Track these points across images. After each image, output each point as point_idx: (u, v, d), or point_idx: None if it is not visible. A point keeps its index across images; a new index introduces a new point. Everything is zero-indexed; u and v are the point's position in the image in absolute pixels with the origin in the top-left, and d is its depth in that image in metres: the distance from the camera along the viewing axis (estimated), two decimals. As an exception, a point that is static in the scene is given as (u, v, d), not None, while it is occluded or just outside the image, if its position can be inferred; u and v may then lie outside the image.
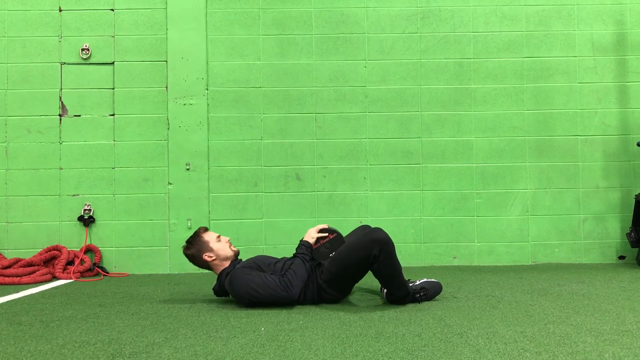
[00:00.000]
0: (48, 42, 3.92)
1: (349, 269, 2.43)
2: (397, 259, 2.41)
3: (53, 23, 3.92)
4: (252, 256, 2.64)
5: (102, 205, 3.86)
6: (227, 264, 2.56)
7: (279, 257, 2.66)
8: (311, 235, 2.63)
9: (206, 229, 2.63)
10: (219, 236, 2.60)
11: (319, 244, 2.62)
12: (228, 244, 2.59)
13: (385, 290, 2.53)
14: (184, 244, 2.62)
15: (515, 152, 3.93)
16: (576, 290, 2.77)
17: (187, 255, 2.59)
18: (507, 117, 3.95)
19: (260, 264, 2.52)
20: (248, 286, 2.39)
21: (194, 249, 2.56)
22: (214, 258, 2.54)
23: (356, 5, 3.97)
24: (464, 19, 3.98)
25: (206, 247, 2.54)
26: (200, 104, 3.89)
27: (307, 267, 2.51)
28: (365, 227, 2.81)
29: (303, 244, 2.61)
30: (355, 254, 2.40)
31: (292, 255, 2.62)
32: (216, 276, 2.63)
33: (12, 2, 3.92)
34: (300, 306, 2.46)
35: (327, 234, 2.63)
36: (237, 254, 2.61)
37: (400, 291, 2.43)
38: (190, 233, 3.78)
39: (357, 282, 2.55)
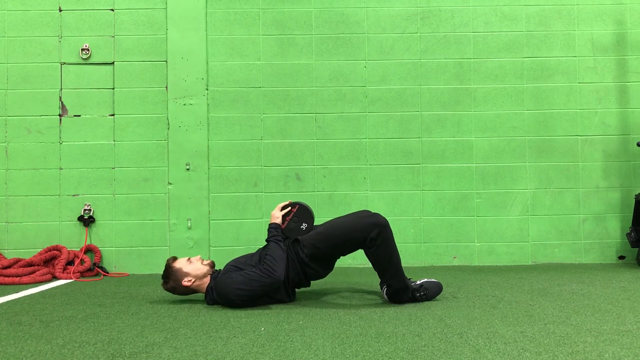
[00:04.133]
0: (48, 42, 3.92)
1: (340, 247, 2.46)
2: (395, 246, 2.43)
3: (53, 23, 3.92)
4: (228, 261, 2.64)
5: (102, 205, 3.86)
6: (207, 280, 2.55)
7: (254, 252, 2.67)
8: (276, 216, 2.64)
9: (175, 258, 2.59)
10: (188, 259, 2.58)
11: (286, 221, 2.62)
12: (200, 262, 2.57)
13: (384, 287, 2.54)
14: (161, 280, 2.59)
15: (515, 152, 3.93)
16: (576, 290, 2.77)
17: (168, 290, 2.56)
18: (507, 117, 3.95)
19: (237, 264, 2.54)
20: (233, 288, 2.40)
21: (171, 280, 2.53)
22: (193, 280, 2.52)
23: (356, 5, 3.97)
24: (464, 19, 3.98)
25: (181, 274, 2.52)
26: (200, 104, 3.89)
27: (282, 247, 2.51)
28: (365, 211, 2.80)
29: (271, 226, 2.61)
30: (350, 234, 2.42)
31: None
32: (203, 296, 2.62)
33: (12, 2, 3.92)
34: (300, 306, 2.46)
35: (290, 208, 2.64)
36: (212, 265, 2.59)
37: (397, 283, 2.43)
38: (191, 233, 3.81)
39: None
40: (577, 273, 3.40)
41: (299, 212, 2.62)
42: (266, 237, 2.61)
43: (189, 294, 2.61)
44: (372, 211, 2.56)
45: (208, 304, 2.54)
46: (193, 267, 2.54)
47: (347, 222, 2.50)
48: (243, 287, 2.39)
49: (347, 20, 3.96)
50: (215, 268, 2.65)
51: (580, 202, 3.92)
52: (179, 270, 2.53)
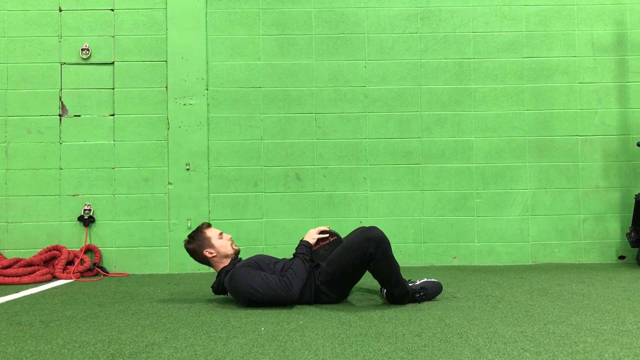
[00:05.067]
0: (48, 42, 3.92)
1: (346, 268, 2.43)
2: (393, 257, 2.41)
3: (53, 23, 3.92)
4: (253, 255, 2.65)
5: (102, 205, 3.86)
6: (227, 261, 2.57)
7: (280, 258, 2.67)
8: (312, 236, 2.64)
9: (209, 225, 2.65)
10: (221, 233, 2.62)
11: (318, 246, 2.63)
12: (230, 242, 2.60)
13: (384, 290, 2.54)
14: (186, 237, 2.63)
15: (515, 152, 3.93)
16: (576, 290, 2.77)
17: (187, 250, 2.60)
18: (507, 117, 3.95)
19: (260, 263, 2.52)
20: (248, 285, 2.39)
21: (195, 244, 2.57)
22: (214, 255, 2.55)
23: (356, 5, 3.97)
24: (464, 19, 3.98)
25: (207, 243, 2.56)
26: (200, 104, 3.89)
27: (306, 268, 2.51)
28: (361, 228, 2.81)
29: (303, 244, 2.62)
30: (350, 253, 2.40)
31: (292, 255, 2.62)
32: (215, 274, 2.64)
33: (12, 2, 3.92)
34: (300, 306, 2.46)
35: (327, 236, 2.64)
36: (237, 252, 2.62)
37: (399, 290, 2.43)
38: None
39: (355, 283, 2.55)
40: (577, 273, 3.40)
41: (333, 244, 2.62)
42: (295, 251, 2.61)
43: (202, 264, 2.62)
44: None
45: (212, 287, 2.56)
46: (221, 243, 2.57)
47: (346, 242, 2.48)
48: (257, 289, 2.38)
49: (347, 20, 3.96)
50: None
51: (580, 202, 3.92)
52: (208, 239, 2.57)
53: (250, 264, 2.50)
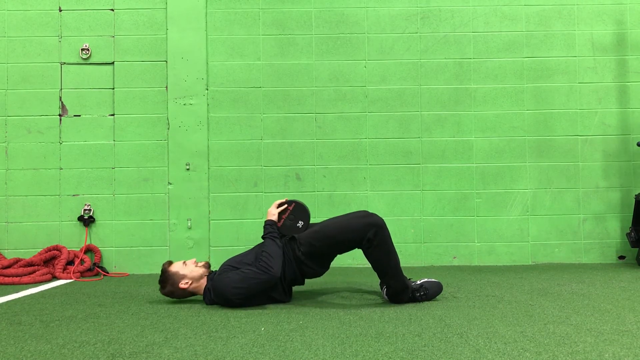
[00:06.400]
0: (48, 42, 3.92)
1: (337, 245, 2.46)
2: (392, 247, 2.43)
3: (53, 23, 3.92)
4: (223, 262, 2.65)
5: (102, 205, 3.86)
6: (204, 281, 2.56)
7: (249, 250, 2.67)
8: (272, 214, 2.62)
9: (170, 262, 2.60)
10: (184, 262, 2.59)
11: (282, 219, 2.62)
12: (194, 264, 2.58)
13: (384, 287, 2.54)
14: (158, 285, 2.59)
15: (515, 152, 3.93)
16: (576, 290, 2.77)
17: (166, 294, 2.58)
18: (507, 117, 3.95)
19: (233, 263, 2.54)
20: (230, 287, 2.40)
21: (169, 284, 2.54)
22: (190, 283, 2.53)
23: (356, 5, 3.97)
24: (464, 19, 3.98)
25: (178, 277, 2.53)
26: (200, 104, 3.89)
27: (279, 244, 2.51)
28: (362, 212, 2.80)
29: (268, 223, 2.60)
30: (347, 234, 2.42)
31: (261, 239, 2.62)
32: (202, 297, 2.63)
33: (12, 2, 3.92)
34: (300, 306, 2.46)
35: (286, 207, 2.63)
36: (207, 266, 2.60)
37: (397, 284, 2.44)
38: (191, 233, 3.81)
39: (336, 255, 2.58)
40: (577, 273, 3.40)
41: (295, 210, 2.61)
42: (262, 234, 2.61)
43: (186, 297, 2.61)
44: (371, 211, 2.56)
45: (207, 304, 2.55)
46: (189, 270, 2.55)
47: (344, 221, 2.50)
48: (240, 286, 2.39)
49: (347, 20, 3.96)
50: (212, 269, 2.65)
51: (580, 202, 3.92)
52: (176, 274, 2.54)
53: (225, 269, 2.50)
